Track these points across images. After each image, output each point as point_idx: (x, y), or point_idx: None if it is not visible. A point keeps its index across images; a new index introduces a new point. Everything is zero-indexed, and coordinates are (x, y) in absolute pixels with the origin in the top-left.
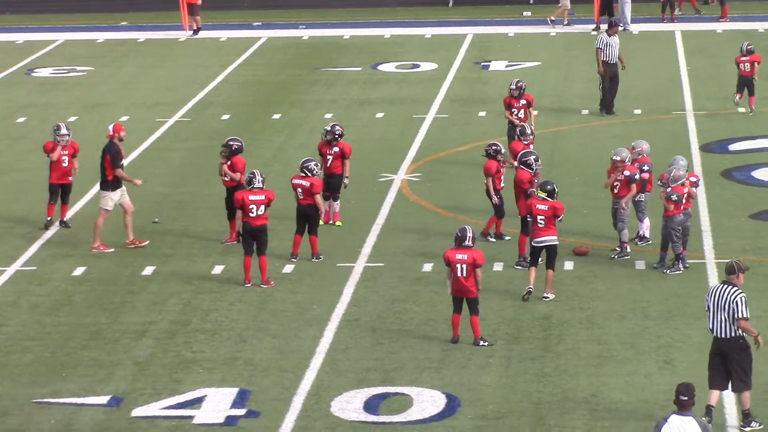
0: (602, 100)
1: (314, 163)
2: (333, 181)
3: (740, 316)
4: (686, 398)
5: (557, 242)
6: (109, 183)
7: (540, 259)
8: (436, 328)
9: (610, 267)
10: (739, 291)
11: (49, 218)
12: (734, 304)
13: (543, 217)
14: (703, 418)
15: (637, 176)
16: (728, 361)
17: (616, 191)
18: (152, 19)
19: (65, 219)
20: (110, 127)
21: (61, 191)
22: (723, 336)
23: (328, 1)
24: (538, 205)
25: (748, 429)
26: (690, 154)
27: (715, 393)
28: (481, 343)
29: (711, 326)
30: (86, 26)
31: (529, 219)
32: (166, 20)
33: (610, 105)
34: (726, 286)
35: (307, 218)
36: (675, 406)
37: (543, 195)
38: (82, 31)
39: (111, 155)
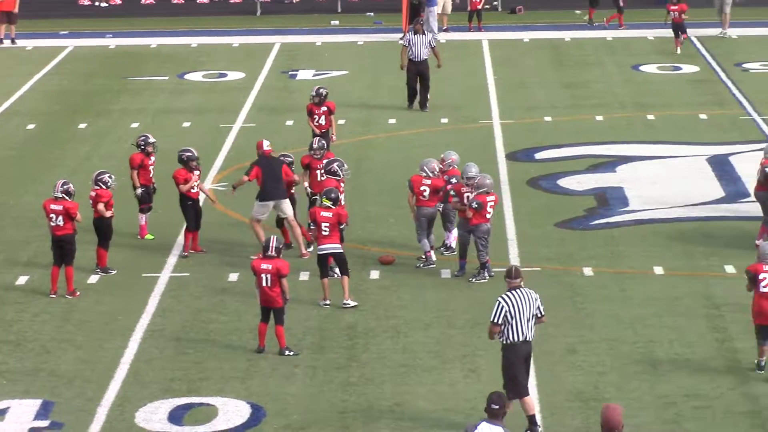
0: (408, 96)
1: (108, 175)
2: (151, 193)
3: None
4: (498, 407)
5: (342, 250)
6: None
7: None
8: (241, 338)
9: (416, 276)
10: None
11: None
12: (538, 304)
13: (327, 225)
14: (536, 428)
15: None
16: (524, 366)
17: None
18: None
19: None
20: None
21: None
22: (530, 339)
23: (135, 9)
24: (322, 213)
25: None
26: (496, 162)
27: (530, 399)
28: (287, 352)
29: (522, 333)
30: None
31: (313, 227)
32: None
33: (423, 101)
34: (522, 290)
35: (97, 230)
36: (484, 414)
37: (327, 203)
38: None
39: None
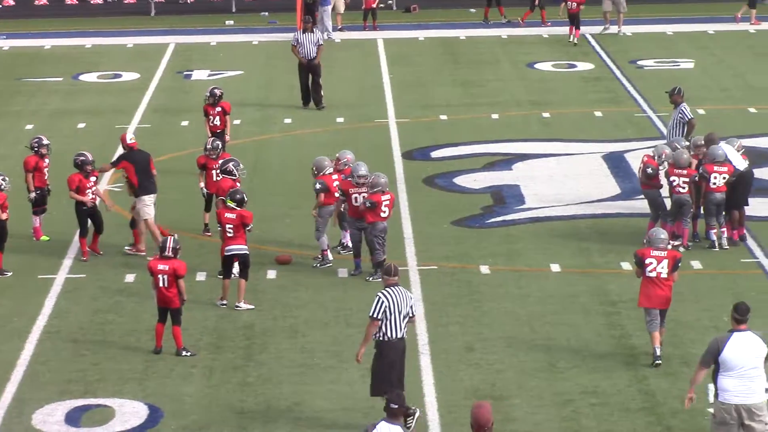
0: (303, 95)
1: (2, 177)
2: (46, 195)
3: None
4: (397, 406)
5: (247, 251)
6: None
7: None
8: (139, 339)
9: (313, 275)
10: None
11: None
12: (412, 304)
13: (231, 226)
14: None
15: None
16: (401, 364)
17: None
18: None
19: None
20: None
21: None
22: (404, 337)
23: (29, 11)
24: (226, 214)
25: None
26: (393, 161)
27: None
28: (184, 353)
29: (396, 331)
30: None
31: (219, 228)
32: None
33: (317, 100)
34: (399, 288)
35: None
36: (383, 413)
37: (232, 204)
38: None
39: None
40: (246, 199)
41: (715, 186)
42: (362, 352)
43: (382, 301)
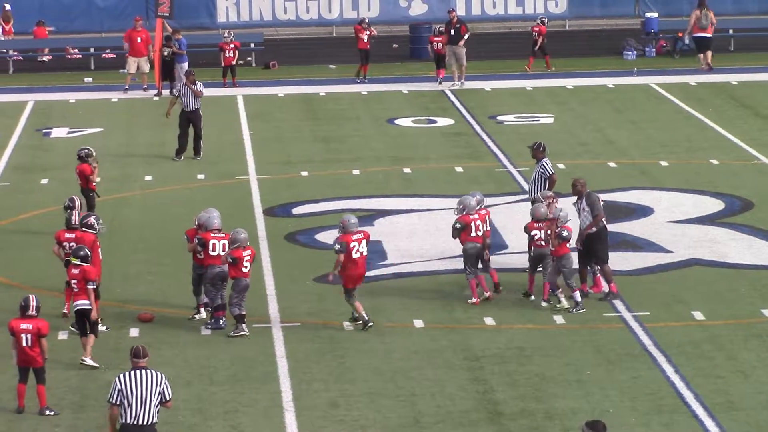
0: (179, 146)
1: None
2: None
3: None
4: None
5: (89, 307)
6: None
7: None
8: (0, 399)
9: (176, 333)
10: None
11: None
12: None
13: (76, 281)
14: None
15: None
16: None
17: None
18: None
19: None
20: None
21: None
22: (147, 423)
23: None
24: (72, 270)
25: None
26: (254, 218)
27: None
28: (47, 412)
29: (134, 417)
30: None
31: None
32: None
33: (197, 149)
34: (146, 371)
35: None
36: None
37: (76, 261)
38: None
39: None
40: (90, 254)
41: None
42: None
43: (115, 385)
